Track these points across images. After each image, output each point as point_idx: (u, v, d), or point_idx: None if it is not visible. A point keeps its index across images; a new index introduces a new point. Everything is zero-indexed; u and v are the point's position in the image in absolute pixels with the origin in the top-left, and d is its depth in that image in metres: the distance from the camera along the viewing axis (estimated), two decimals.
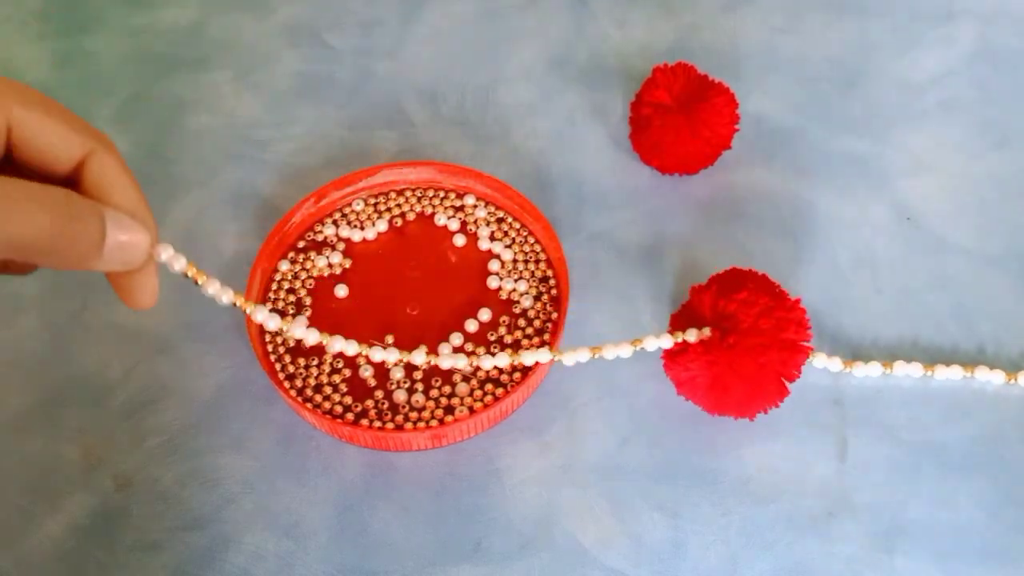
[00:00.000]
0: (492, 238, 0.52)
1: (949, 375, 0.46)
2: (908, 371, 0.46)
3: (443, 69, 0.63)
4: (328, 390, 0.46)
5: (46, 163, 0.30)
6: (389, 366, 0.46)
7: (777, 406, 0.43)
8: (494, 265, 0.51)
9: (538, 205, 0.52)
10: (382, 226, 0.52)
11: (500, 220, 0.53)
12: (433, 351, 0.47)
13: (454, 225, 0.52)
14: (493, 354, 0.41)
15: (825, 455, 0.44)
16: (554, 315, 0.49)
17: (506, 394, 0.44)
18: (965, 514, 0.42)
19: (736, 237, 0.53)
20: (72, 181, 0.31)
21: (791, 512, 0.43)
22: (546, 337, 0.48)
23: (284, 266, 0.51)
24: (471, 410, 0.45)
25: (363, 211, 0.53)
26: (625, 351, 0.41)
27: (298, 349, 0.47)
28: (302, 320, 0.38)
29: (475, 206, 0.53)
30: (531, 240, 0.52)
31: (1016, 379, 0.46)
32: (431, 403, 0.46)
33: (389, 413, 0.45)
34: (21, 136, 0.29)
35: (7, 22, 0.67)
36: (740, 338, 0.41)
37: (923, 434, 0.45)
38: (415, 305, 0.49)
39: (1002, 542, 0.42)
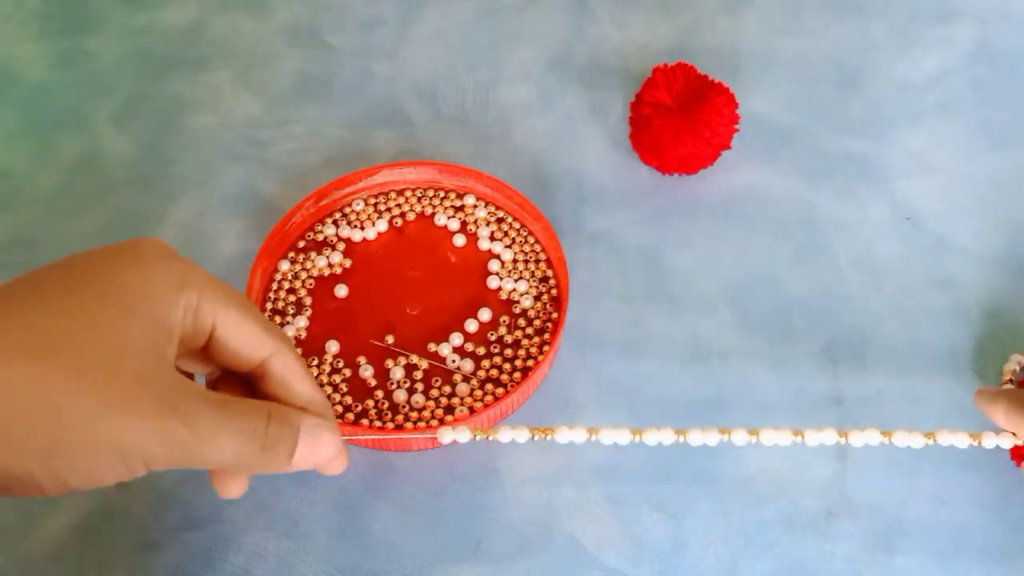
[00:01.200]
0: (492, 238, 0.52)
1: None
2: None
3: (443, 69, 0.63)
4: (328, 390, 0.46)
5: (237, 360, 0.32)
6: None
7: None
8: (494, 265, 0.51)
9: (538, 205, 0.52)
10: (382, 226, 0.52)
11: (500, 220, 0.53)
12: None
13: (454, 225, 0.52)
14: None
15: (825, 455, 0.44)
16: (554, 315, 0.49)
17: (506, 394, 0.44)
18: (965, 514, 0.42)
19: (736, 237, 0.53)
20: (254, 374, 0.33)
21: (791, 512, 0.43)
22: (546, 337, 0.48)
23: (284, 266, 0.51)
24: (471, 410, 0.45)
25: (363, 211, 0.53)
26: (961, 441, 0.41)
27: (299, 348, 0.47)
28: (507, 430, 0.39)
29: (475, 206, 0.53)
30: (531, 240, 0.52)
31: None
32: (431, 403, 0.46)
33: (389, 413, 0.45)
34: (221, 335, 0.32)
35: (7, 22, 0.67)
36: None
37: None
38: (415, 305, 0.49)
39: (1002, 542, 0.42)
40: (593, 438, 0.40)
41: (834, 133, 0.58)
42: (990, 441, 0.41)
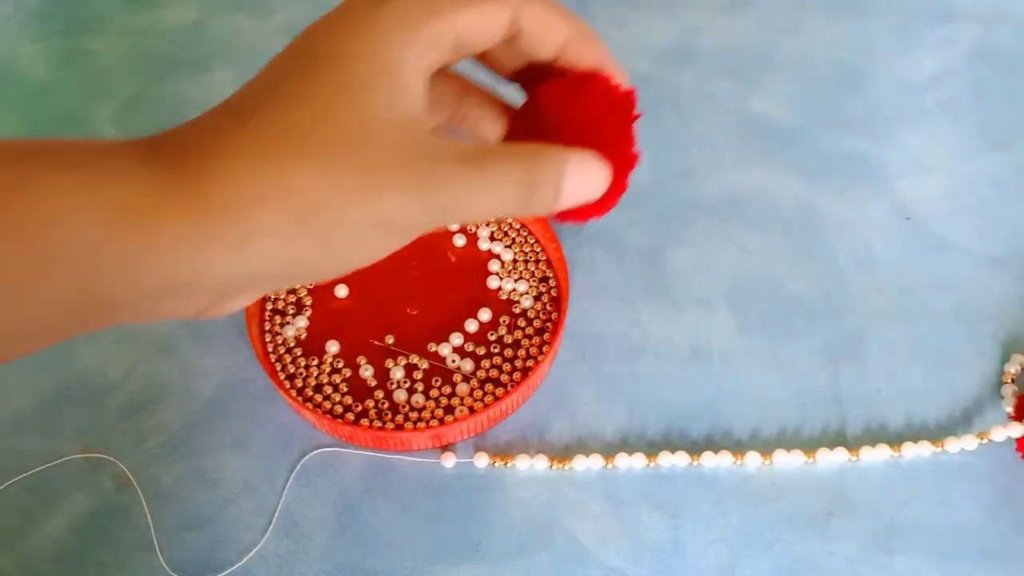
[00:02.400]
0: (492, 238, 0.52)
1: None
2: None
3: None
4: (328, 390, 0.46)
5: (536, 50, 0.32)
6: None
7: None
8: (494, 265, 0.51)
9: None
10: None
11: (500, 220, 0.53)
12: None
13: (454, 225, 0.52)
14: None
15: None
16: (554, 315, 0.49)
17: (506, 394, 0.44)
18: (965, 514, 0.42)
19: (736, 237, 0.53)
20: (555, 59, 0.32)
21: (791, 512, 0.43)
22: (546, 337, 0.48)
23: None
24: (471, 410, 0.45)
25: None
26: (969, 443, 0.42)
27: (298, 348, 0.48)
28: (524, 458, 0.41)
29: None
30: (531, 240, 0.52)
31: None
32: (431, 403, 0.46)
33: (389, 413, 0.45)
34: (525, 27, 0.31)
35: (7, 22, 0.67)
36: None
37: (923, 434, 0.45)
38: (415, 305, 0.49)
39: (1002, 542, 0.42)
40: (609, 466, 0.43)
41: (834, 133, 0.58)
42: (999, 433, 0.41)
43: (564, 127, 0.32)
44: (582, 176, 0.30)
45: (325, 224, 0.25)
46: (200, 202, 0.24)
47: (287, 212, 0.25)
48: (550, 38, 0.32)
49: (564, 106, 0.32)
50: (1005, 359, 0.47)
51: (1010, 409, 0.45)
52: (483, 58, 0.34)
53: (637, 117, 0.33)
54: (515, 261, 0.51)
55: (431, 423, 0.45)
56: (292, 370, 0.47)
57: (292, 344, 0.48)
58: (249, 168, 0.25)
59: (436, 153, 0.27)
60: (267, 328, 0.48)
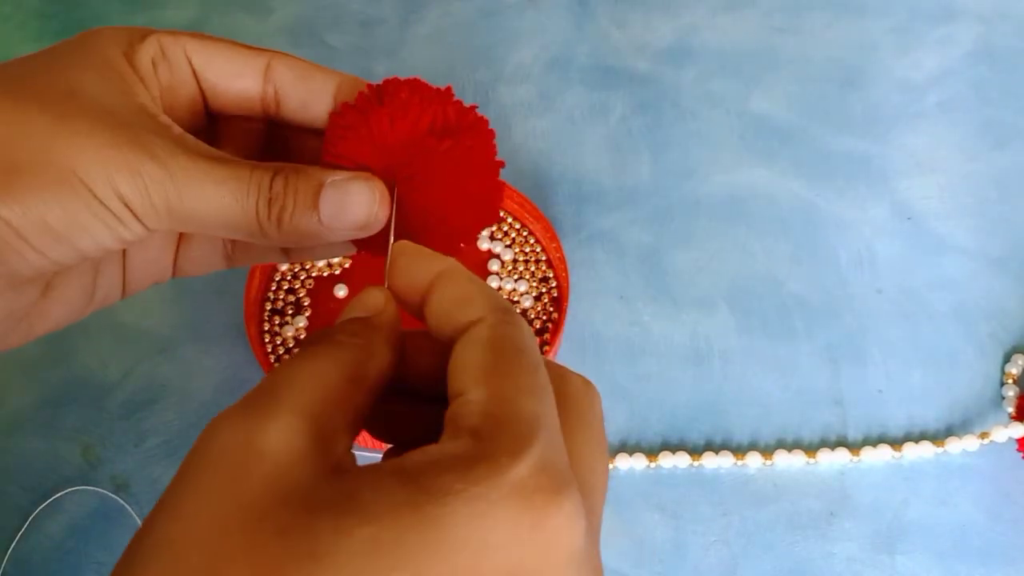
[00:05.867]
0: (492, 238, 0.52)
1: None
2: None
3: (443, 69, 0.62)
4: None
5: (235, 94, 0.29)
6: None
7: None
8: (494, 265, 0.51)
9: (538, 205, 0.52)
10: None
11: (500, 220, 0.53)
12: None
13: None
14: None
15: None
16: (554, 315, 0.49)
17: None
18: (966, 514, 0.42)
19: (736, 237, 0.53)
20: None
21: (791, 512, 0.43)
22: (546, 337, 0.48)
23: (284, 266, 0.51)
24: None
25: None
26: (971, 444, 0.43)
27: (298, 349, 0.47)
28: None
29: None
30: (531, 240, 0.52)
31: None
32: None
33: None
34: (200, 65, 0.29)
35: (7, 22, 0.67)
36: None
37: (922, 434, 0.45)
38: None
39: (1002, 542, 0.42)
40: (611, 467, 0.42)
41: (834, 133, 0.58)
42: (1000, 434, 0.41)
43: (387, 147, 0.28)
44: (341, 196, 0.27)
45: (10, 155, 0.24)
46: None
47: None
48: (313, 96, 0.29)
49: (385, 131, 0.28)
50: (1006, 359, 0.47)
51: (1011, 409, 0.45)
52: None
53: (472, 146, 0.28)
54: (515, 261, 0.51)
55: None
56: None
57: (291, 344, 0.48)
58: None
59: (162, 131, 0.26)
60: (266, 328, 0.48)
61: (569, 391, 0.22)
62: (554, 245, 0.50)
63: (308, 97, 0.29)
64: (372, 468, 0.19)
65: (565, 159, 0.57)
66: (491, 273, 0.50)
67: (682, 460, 0.43)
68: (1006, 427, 0.43)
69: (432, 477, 0.18)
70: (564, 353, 0.48)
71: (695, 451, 0.44)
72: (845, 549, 0.41)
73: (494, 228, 0.52)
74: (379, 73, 0.62)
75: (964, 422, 0.45)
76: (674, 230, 0.53)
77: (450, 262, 0.23)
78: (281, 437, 0.19)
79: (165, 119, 0.26)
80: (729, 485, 0.43)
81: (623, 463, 0.43)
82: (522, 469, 0.18)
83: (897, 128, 0.58)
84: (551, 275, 0.50)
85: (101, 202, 0.25)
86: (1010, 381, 0.46)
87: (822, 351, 0.48)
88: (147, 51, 0.28)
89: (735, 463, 0.44)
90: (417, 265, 0.24)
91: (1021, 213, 0.54)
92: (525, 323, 0.22)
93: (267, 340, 0.48)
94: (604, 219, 0.54)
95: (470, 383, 0.20)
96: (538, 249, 0.51)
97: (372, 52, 0.64)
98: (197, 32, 0.29)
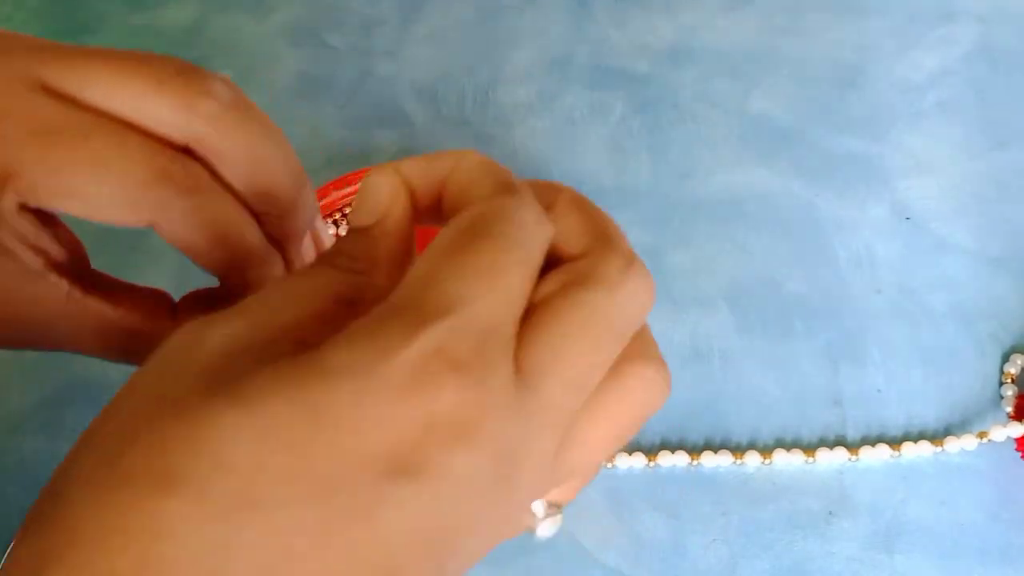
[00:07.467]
0: None
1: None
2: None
3: (443, 69, 0.63)
4: None
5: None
6: None
7: None
8: None
9: None
10: None
11: None
12: None
13: None
14: None
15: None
16: None
17: None
18: (965, 514, 0.42)
19: (736, 237, 0.53)
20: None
21: (790, 511, 0.43)
22: None
23: None
24: None
25: None
26: (969, 443, 0.43)
27: None
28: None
29: None
30: None
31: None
32: None
33: None
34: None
35: (7, 22, 0.67)
36: None
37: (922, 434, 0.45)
38: None
39: (1002, 542, 0.42)
40: (609, 466, 0.42)
41: (834, 133, 0.58)
42: (999, 434, 0.41)
43: None
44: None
45: None
46: None
47: None
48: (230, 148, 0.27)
49: None
50: (1005, 359, 0.47)
51: (1010, 409, 0.45)
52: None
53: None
54: None
55: None
56: None
57: None
58: None
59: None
60: None
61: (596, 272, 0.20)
62: None
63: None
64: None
65: (565, 159, 0.57)
66: None
67: (681, 459, 0.43)
68: (1005, 427, 0.43)
69: (327, 351, 0.17)
70: None
71: (694, 450, 0.44)
72: (844, 548, 0.41)
73: None
74: (379, 73, 0.62)
75: (963, 422, 0.45)
76: (674, 230, 0.53)
77: (467, 152, 0.22)
78: (225, 332, 0.18)
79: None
80: (728, 484, 0.43)
81: (622, 462, 0.43)
82: (412, 350, 0.17)
83: (897, 128, 0.58)
84: None
85: None
86: (1009, 381, 0.46)
87: (821, 351, 0.48)
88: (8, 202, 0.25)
89: (734, 462, 0.44)
90: (431, 161, 0.22)
91: (1021, 213, 0.54)
92: (530, 213, 0.20)
93: None
94: None
95: (419, 260, 0.19)
96: None
97: (372, 52, 0.64)
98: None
